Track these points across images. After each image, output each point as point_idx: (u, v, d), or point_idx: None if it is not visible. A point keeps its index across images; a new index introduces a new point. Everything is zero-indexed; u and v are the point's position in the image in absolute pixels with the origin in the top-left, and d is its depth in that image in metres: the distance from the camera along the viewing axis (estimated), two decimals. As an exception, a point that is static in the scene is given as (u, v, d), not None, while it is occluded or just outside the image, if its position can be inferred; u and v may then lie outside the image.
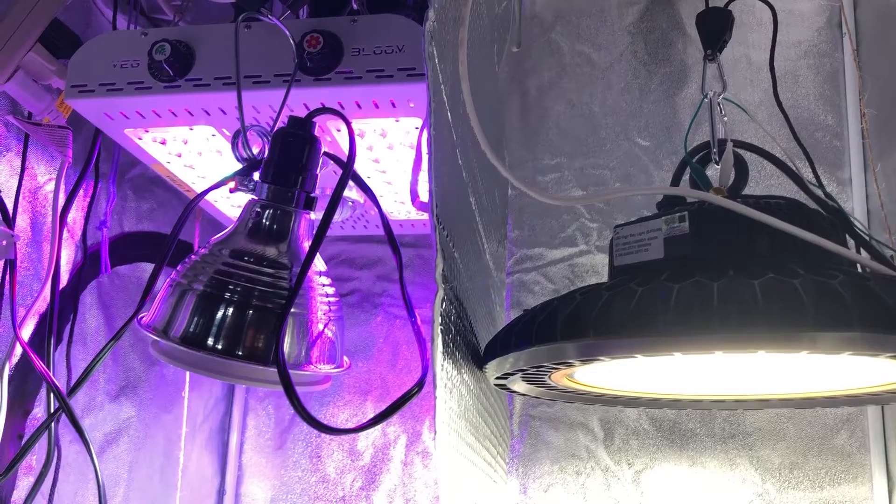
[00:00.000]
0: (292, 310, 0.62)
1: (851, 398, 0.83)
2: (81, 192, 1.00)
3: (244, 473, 1.44)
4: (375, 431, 1.40)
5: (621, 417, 1.32)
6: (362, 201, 0.97)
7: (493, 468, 1.03)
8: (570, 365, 0.69)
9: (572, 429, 1.33)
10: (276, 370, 0.58)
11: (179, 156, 0.95)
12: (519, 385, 0.81)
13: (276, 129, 0.69)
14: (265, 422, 1.46)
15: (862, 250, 0.76)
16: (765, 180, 1.33)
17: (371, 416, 0.59)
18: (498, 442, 1.08)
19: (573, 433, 1.33)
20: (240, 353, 0.62)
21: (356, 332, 1.44)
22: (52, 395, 0.82)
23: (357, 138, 0.87)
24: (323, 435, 1.42)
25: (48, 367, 0.88)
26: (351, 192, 0.97)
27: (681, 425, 1.30)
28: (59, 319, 0.94)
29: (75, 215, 1.01)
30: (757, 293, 0.57)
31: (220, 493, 1.43)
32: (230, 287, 0.63)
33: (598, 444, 1.32)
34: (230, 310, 0.62)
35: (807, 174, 0.86)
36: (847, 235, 0.76)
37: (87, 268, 1.01)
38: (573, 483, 1.31)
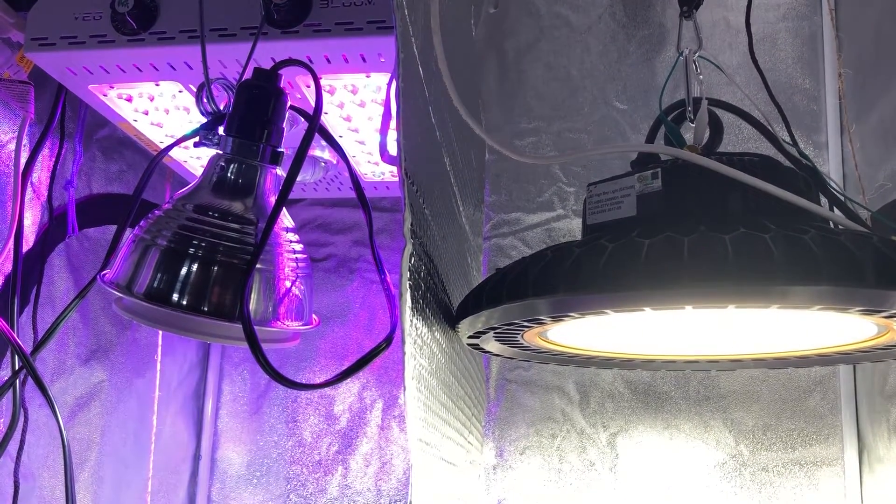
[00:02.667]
0: (258, 266, 0.61)
1: (823, 357, 0.83)
2: (46, 151, 0.97)
3: (220, 438, 1.43)
4: (351, 396, 1.40)
5: (597, 381, 1.33)
6: (335, 162, 0.96)
7: (468, 430, 1.03)
8: (541, 322, 0.69)
9: (548, 392, 1.34)
10: (242, 326, 0.57)
11: (146, 113, 0.92)
12: (492, 345, 0.81)
13: (240, 82, 0.67)
14: (241, 387, 1.45)
15: (835, 209, 0.76)
16: (742, 143, 1.33)
17: (347, 380, 0.59)
18: (473, 404, 1.08)
19: (549, 396, 1.33)
20: (205, 308, 0.60)
21: (332, 297, 1.43)
22: (16, 356, 0.80)
23: (327, 95, 0.85)
24: (299, 399, 1.42)
25: (13, 330, 0.86)
26: (324, 152, 0.96)
27: (656, 388, 1.30)
28: (24, 282, 0.92)
29: (41, 175, 0.99)
30: (727, 247, 0.56)
31: (196, 458, 1.42)
32: (194, 242, 0.62)
33: (574, 408, 1.32)
34: (195, 265, 0.61)
35: (783, 135, 0.85)
36: (821, 194, 0.76)
37: (53, 229, 0.99)
38: (549, 446, 1.32)
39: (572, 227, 1.38)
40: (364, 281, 1.44)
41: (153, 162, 0.70)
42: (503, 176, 1.42)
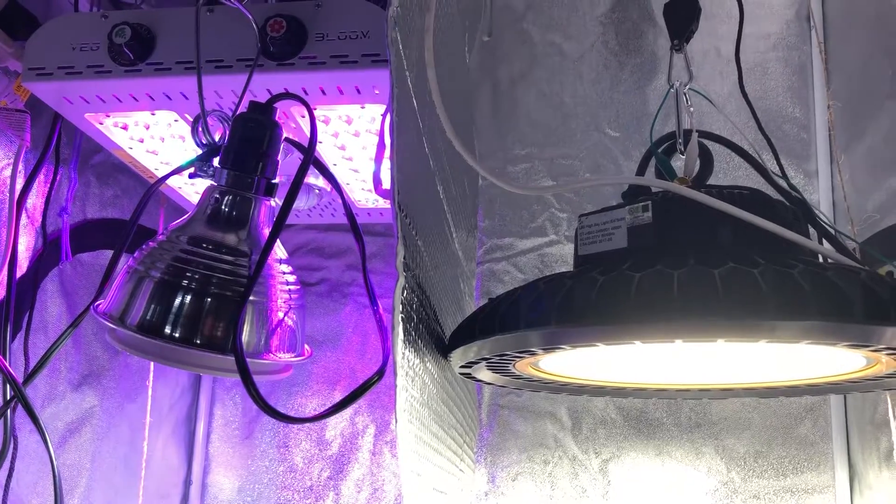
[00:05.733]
0: (251, 297, 0.61)
1: (812, 387, 0.84)
2: (42, 177, 0.98)
3: (211, 463, 1.42)
4: (344, 421, 1.39)
5: (589, 407, 1.33)
6: (329, 189, 0.96)
7: (459, 457, 1.03)
8: (533, 353, 0.69)
9: (540, 418, 1.34)
10: (234, 359, 0.57)
11: (141, 141, 0.93)
12: (484, 374, 0.81)
13: (236, 114, 0.68)
14: (232, 411, 1.44)
15: (825, 241, 0.77)
16: (733, 171, 1.34)
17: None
18: (465, 431, 1.08)
19: (541, 422, 1.33)
20: (198, 341, 0.61)
21: (325, 321, 1.43)
22: (7, 384, 0.80)
23: (322, 125, 0.86)
24: (291, 425, 1.41)
25: (4, 356, 0.86)
26: (318, 179, 0.97)
27: (648, 415, 1.30)
28: (17, 308, 0.92)
29: (36, 201, 0.99)
30: (717, 282, 0.57)
31: (187, 483, 1.42)
32: (188, 274, 0.62)
33: (566, 434, 1.32)
34: (188, 297, 0.61)
35: (773, 166, 0.86)
36: (811, 226, 0.76)
37: (47, 255, 0.99)
38: (541, 472, 1.32)
39: (564, 253, 1.39)
40: (357, 305, 1.44)
41: (148, 193, 0.71)
42: (496, 201, 1.43)
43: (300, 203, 0.98)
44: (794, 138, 1.36)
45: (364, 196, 1.11)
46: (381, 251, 1.42)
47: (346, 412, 1.39)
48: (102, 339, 1.16)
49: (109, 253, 1.14)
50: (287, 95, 0.69)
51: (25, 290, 0.97)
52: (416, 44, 0.68)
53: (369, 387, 0.56)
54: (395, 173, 0.58)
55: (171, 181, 1.06)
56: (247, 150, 0.66)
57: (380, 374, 0.58)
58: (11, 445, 0.88)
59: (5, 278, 0.90)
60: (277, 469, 1.40)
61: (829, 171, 1.33)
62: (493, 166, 1.44)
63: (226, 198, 0.66)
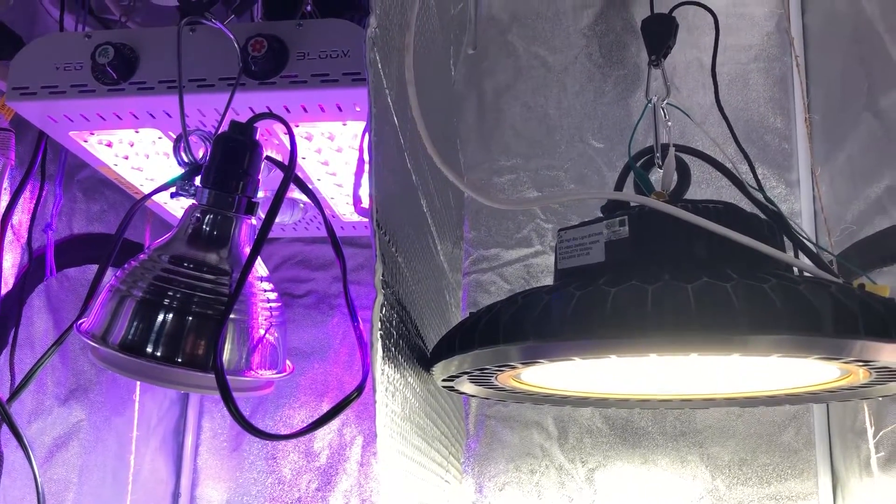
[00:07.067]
0: (232, 315, 0.62)
1: (792, 397, 0.85)
2: (27, 194, 0.98)
3: (199, 476, 1.43)
4: (331, 433, 1.40)
5: (575, 416, 1.34)
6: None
7: (445, 469, 1.04)
8: (513, 367, 0.70)
9: (527, 428, 1.34)
10: (215, 376, 0.57)
11: (126, 158, 0.94)
12: (466, 387, 0.82)
13: (217, 133, 0.69)
14: (220, 424, 1.45)
15: (801, 253, 0.78)
16: (716, 181, 1.35)
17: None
18: (451, 442, 1.09)
19: (528, 432, 1.34)
20: (179, 359, 0.61)
21: (312, 333, 1.44)
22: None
23: (305, 141, 0.87)
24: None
25: (-10, 372, 0.86)
26: (303, 194, 0.97)
27: (633, 423, 1.31)
28: (3, 324, 0.92)
29: (21, 217, 0.99)
30: (690, 297, 0.58)
31: (175, 495, 1.42)
32: (169, 293, 0.63)
33: (553, 443, 1.33)
34: (169, 316, 0.62)
35: (752, 178, 0.88)
36: (787, 238, 0.77)
37: (32, 271, 1.00)
38: (528, 481, 1.32)
39: (549, 263, 1.40)
40: (344, 317, 1.44)
41: (130, 212, 0.72)
42: (482, 212, 1.44)
43: (285, 217, 0.99)
44: (775, 148, 1.38)
45: (348, 210, 1.12)
46: (367, 262, 1.43)
47: (334, 424, 1.40)
48: (89, 354, 1.16)
49: (96, 267, 1.15)
50: (268, 115, 0.69)
51: (11, 306, 0.97)
52: (396, 61, 0.69)
53: (349, 402, 0.57)
54: (374, 192, 0.58)
55: (156, 196, 1.07)
56: (228, 170, 0.67)
57: (359, 390, 0.59)
58: (-2, 461, 0.89)
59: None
60: (266, 481, 1.40)
61: (810, 181, 1.34)
62: (479, 177, 1.45)
63: (207, 216, 0.67)
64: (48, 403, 1.08)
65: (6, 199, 0.91)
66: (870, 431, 1.04)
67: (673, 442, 1.29)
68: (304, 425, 1.25)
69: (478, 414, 1.37)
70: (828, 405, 1.26)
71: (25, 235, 1.00)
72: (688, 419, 1.30)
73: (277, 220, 0.70)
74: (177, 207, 1.11)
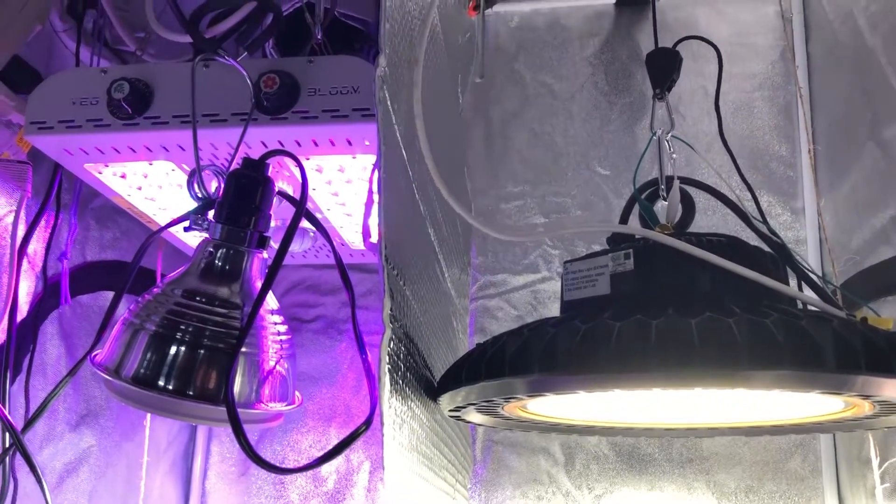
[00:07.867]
0: (243, 349, 0.63)
1: (797, 427, 0.85)
2: (43, 223, 1.00)
3: (208, 500, 1.43)
4: (339, 457, 1.41)
5: (582, 443, 1.34)
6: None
7: (452, 497, 1.04)
8: (519, 399, 0.71)
9: (534, 454, 1.35)
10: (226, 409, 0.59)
11: (140, 189, 0.95)
12: (474, 416, 0.82)
13: (230, 170, 0.70)
14: (229, 448, 1.45)
15: (805, 285, 0.79)
16: (721, 209, 1.36)
17: (334, 442, 0.60)
18: (457, 470, 1.09)
19: (535, 458, 1.34)
20: (190, 392, 0.63)
21: (320, 358, 1.45)
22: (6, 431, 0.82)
23: (315, 173, 0.89)
24: (287, 461, 1.42)
25: (4, 400, 0.88)
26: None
27: (640, 450, 1.32)
28: (17, 351, 0.94)
29: (36, 247, 1.01)
30: (693, 332, 0.59)
31: (184, 520, 1.42)
32: (182, 327, 0.64)
33: (560, 469, 1.33)
34: (181, 350, 0.63)
35: (756, 209, 0.89)
36: (791, 270, 0.78)
37: (46, 298, 1.02)
38: (535, 508, 1.32)
39: (556, 289, 1.40)
40: (352, 342, 1.45)
41: (144, 246, 0.73)
42: (490, 238, 1.45)
43: (295, 246, 1.00)
44: (780, 176, 1.39)
45: (357, 238, 1.13)
46: (375, 287, 1.44)
47: (342, 449, 1.40)
48: (100, 379, 1.17)
49: (109, 294, 1.17)
50: (279, 152, 0.71)
51: (26, 334, 0.99)
52: (405, 96, 0.70)
53: (357, 436, 0.58)
54: (383, 228, 0.60)
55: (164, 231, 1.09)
56: (240, 206, 0.69)
57: (367, 423, 0.60)
58: (11, 486, 0.90)
59: (4, 323, 0.92)
60: (274, 506, 1.41)
61: (815, 209, 1.35)
62: (486, 203, 1.46)
63: (219, 251, 0.69)
64: (59, 429, 1.09)
65: (23, 229, 0.93)
66: (875, 462, 1.04)
67: (679, 469, 1.29)
68: (312, 450, 1.25)
69: (485, 440, 1.37)
70: (834, 434, 1.26)
71: (40, 264, 1.02)
72: (694, 446, 1.30)
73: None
74: (189, 236, 1.12)
